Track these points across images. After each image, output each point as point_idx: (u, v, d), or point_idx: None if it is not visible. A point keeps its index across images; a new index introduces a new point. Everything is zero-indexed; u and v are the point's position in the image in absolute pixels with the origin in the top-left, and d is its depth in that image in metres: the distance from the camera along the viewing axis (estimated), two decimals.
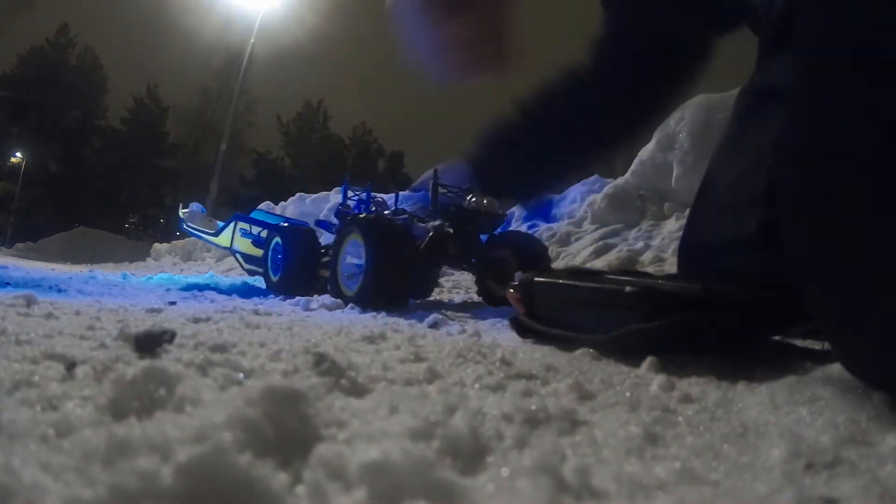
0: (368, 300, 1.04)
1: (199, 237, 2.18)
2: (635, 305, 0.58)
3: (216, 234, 1.98)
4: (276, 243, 1.58)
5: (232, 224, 1.89)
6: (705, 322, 0.55)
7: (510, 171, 1.10)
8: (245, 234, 1.85)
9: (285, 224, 1.71)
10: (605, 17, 1.01)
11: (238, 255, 1.88)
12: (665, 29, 0.95)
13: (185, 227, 2.25)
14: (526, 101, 1.09)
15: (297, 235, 1.55)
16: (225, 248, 1.94)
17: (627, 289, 0.59)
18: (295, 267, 1.49)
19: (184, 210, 2.34)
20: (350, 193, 1.52)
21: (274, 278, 1.56)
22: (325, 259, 1.47)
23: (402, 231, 1.11)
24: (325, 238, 1.61)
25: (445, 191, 1.13)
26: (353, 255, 1.14)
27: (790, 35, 0.61)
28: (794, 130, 0.46)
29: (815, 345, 0.62)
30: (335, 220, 1.55)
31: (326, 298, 1.13)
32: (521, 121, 1.08)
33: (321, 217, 2.49)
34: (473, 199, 1.07)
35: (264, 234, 1.75)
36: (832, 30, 0.42)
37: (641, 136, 1.19)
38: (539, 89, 1.09)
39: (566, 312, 0.67)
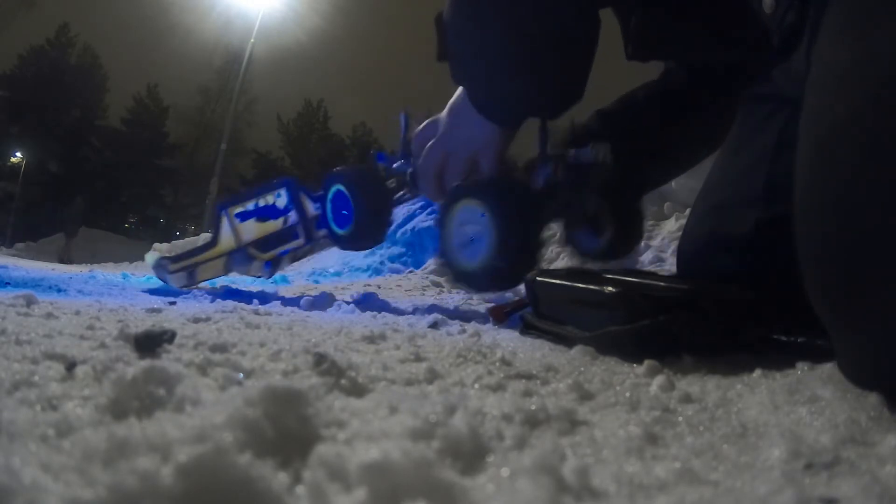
0: (489, 281, 0.91)
1: (195, 270, 1.34)
2: (616, 307, 0.58)
3: (213, 244, 1.37)
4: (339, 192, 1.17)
5: (224, 217, 1.34)
6: (679, 325, 0.55)
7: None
8: (246, 216, 1.33)
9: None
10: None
11: (251, 250, 1.31)
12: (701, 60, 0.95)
13: (163, 274, 1.34)
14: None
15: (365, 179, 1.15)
16: (233, 251, 1.34)
17: (608, 290, 0.59)
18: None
19: (155, 254, 1.45)
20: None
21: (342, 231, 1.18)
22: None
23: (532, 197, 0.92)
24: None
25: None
26: (469, 223, 0.93)
27: (797, 46, 0.61)
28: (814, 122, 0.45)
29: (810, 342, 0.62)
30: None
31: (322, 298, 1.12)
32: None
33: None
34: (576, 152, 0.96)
35: (276, 200, 1.29)
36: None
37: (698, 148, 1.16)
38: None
39: (564, 311, 0.67)
